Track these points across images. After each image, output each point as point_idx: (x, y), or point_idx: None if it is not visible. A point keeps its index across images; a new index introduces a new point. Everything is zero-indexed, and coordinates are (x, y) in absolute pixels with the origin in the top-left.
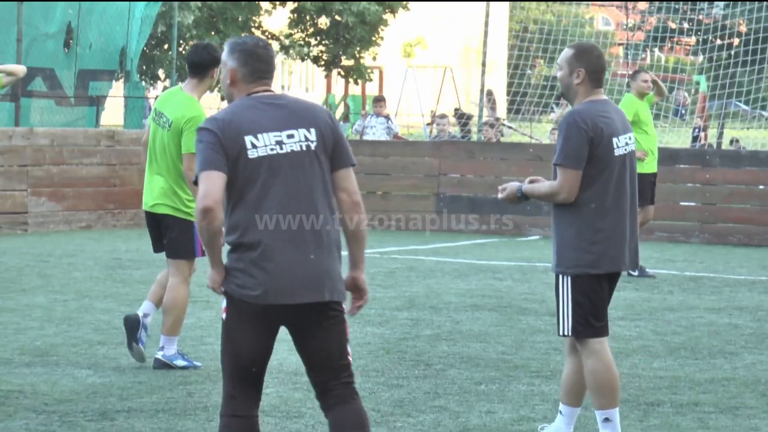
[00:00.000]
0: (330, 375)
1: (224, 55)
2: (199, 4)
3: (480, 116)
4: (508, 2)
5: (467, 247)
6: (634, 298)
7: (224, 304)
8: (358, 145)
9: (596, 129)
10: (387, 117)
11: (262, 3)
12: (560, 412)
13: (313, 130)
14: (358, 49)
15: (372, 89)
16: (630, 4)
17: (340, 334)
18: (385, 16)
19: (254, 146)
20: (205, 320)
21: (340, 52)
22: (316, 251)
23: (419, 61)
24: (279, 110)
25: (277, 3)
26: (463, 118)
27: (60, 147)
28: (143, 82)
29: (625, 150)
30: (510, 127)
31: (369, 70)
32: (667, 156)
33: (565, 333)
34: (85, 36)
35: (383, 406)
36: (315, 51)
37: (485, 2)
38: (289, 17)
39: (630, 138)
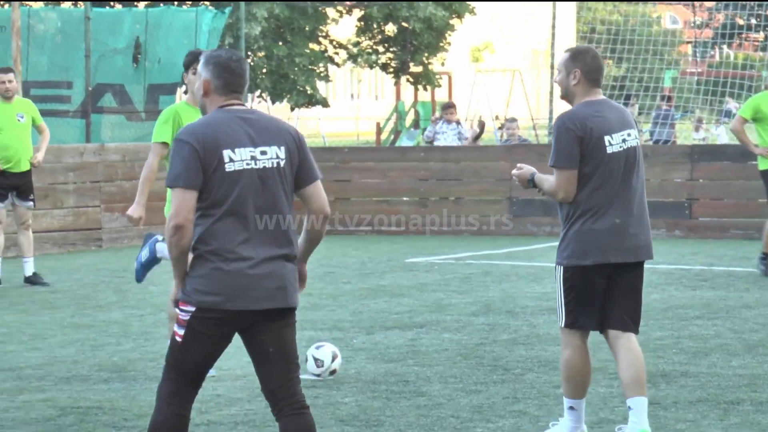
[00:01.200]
0: (284, 379)
1: (200, 66)
2: (266, 14)
3: (550, 119)
4: (575, 3)
5: (541, 250)
6: (710, 297)
7: (182, 312)
8: (429, 151)
9: (585, 129)
10: (457, 122)
11: (328, 12)
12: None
13: (282, 148)
14: (426, 55)
15: (441, 95)
16: (697, 3)
17: (293, 337)
18: (452, 22)
19: (231, 160)
20: None
21: (408, 59)
22: (279, 261)
23: (487, 65)
24: (252, 126)
25: (344, 11)
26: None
27: (132, 162)
28: None
29: (621, 147)
30: None
31: (438, 76)
32: (740, 153)
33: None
34: (153, 50)
35: (462, 412)
36: (383, 58)
37: (552, 3)
38: (356, 25)
39: (629, 134)
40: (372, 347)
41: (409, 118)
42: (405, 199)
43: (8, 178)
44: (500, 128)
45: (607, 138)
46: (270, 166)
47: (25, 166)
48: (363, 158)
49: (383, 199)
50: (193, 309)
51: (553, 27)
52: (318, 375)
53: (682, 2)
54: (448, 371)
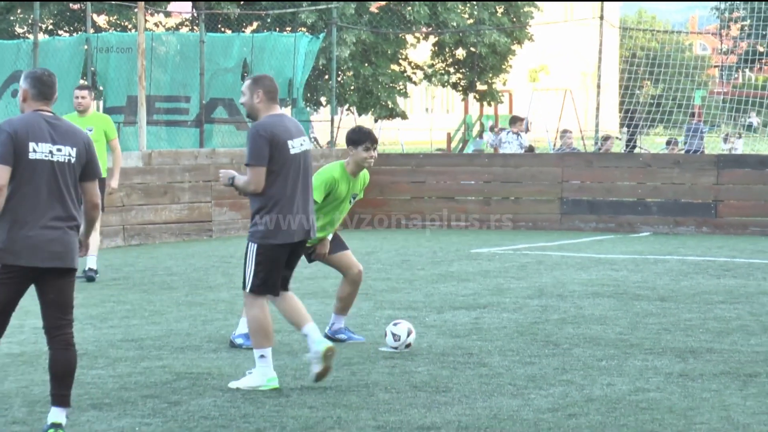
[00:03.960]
0: (57, 323)
1: (21, 80)
2: (354, 39)
3: (596, 131)
4: (618, 32)
5: (587, 243)
6: (732, 285)
7: None
8: (492, 158)
9: (274, 135)
10: (517, 134)
11: (408, 38)
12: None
13: (75, 149)
14: (490, 75)
15: (503, 110)
16: (723, 32)
17: (71, 292)
18: (513, 47)
19: (34, 150)
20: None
21: (475, 79)
22: (64, 230)
23: (543, 84)
24: (55, 128)
25: (421, 38)
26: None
27: (239, 164)
28: (307, 108)
29: (300, 149)
30: (619, 139)
31: (500, 94)
32: (758, 162)
33: (247, 290)
34: (258, 69)
35: (518, 381)
36: (454, 78)
37: (599, 32)
38: (431, 49)
39: (305, 140)
40: (441, 324)
41: (475, 130)
42: (471, 198)
43: None
44: (563, 138)
45: (289, 142)
46: (63, 160)
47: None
48: (435, 163)
49: (452, 198)
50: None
51: (600, 52)
52: (395, 348)
53: (711, 33)
54: (506, 345)
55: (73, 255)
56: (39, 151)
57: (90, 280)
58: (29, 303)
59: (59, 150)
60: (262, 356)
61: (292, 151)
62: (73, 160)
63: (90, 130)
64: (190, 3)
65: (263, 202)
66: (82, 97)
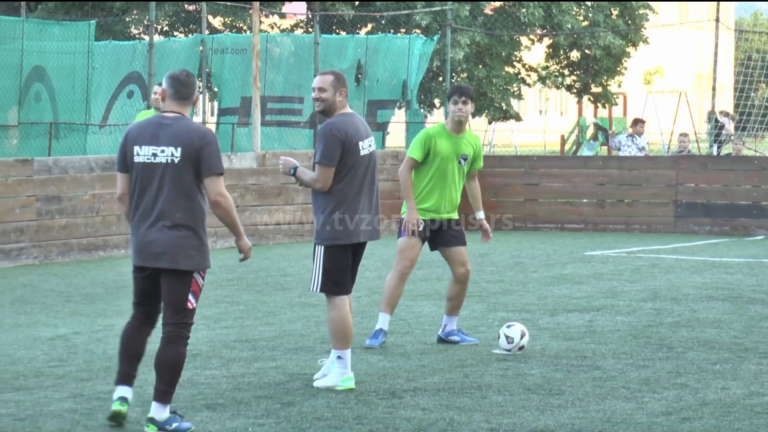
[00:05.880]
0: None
1: (163, 80)
2: (468, 41)
3: (711, 134)
4: (734, 34)
5: (702, 246)
6: None
7: None
8: (607, 160)
9: (347, 135)
10: (633, 136)
11: (522, 40)
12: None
13: (179, 148)
14: (605, 77)
15: (617, 112)
16: None
17: (179, 294)
18: (628, 49)
19: (138, 154)
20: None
21: (590, 81)
22: (165, 230)
23: (657, 87)
24: (163, 129)
25: (535, 39)
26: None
27: None
28: (422, 110)
29: (368, 150)
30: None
31: (615, 96)
32: None
33: (315, 290)
34: (372, 71)
35: (632, 384)
36: (568, 80)
37: (714, 33)
38: (546, 51)
39: (372, 141)
40: (555, 327)
41: (589, 132)
42: (585, 200)
43: None
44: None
45: (360, 143)
46: (165, 161)
47: None
48: (549, 165)
49: (566, 201)
50: None
51: (715, 54)
52: (509, 350)
53: None
54: (620, 348)
55: (176, 256)
56: (142, 153)
57: None
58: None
59: (162, 151)
60: (339, 357)
61: (362, 152)
62: (176, 160)
63: None
64: (304, 4)
65: (329, 201)
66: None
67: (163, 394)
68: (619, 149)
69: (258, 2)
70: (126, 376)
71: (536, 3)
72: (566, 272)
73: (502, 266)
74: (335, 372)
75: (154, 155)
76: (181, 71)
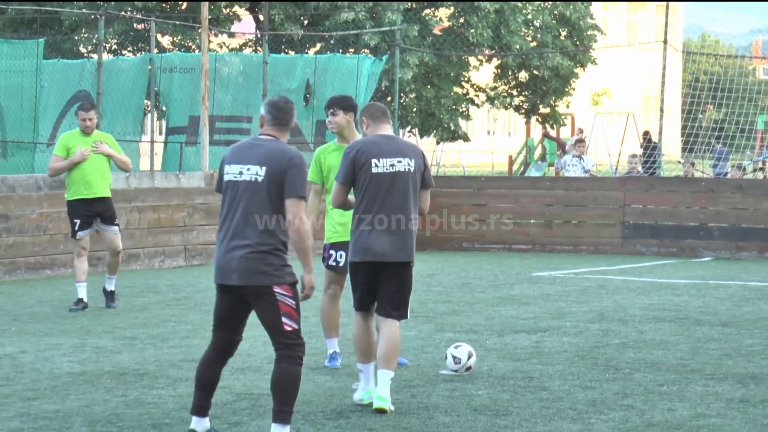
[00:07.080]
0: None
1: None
2: (417, 62)
3: (658, 154)
4: (681, 56)
5: (649, 267)
6: None
7: None
8: (554, 181)
9: (358, 153)
10: (579, 157)
11: (471, 60)
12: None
13: (264, 168)
14: (553, 98)
15: (565, 133)
16: None
17: (270, 312)
18: (576, 70)
19: (227, 173)
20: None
21: (538, 102)
22: (240, 248)
23: (605, 108)
24: (252, 149)
25: (484, 60)
26: (648, 154)
27: None
28: None
29: (389, 169)
30: (682, 163)
31: (563, 117)
32: None
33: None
34: (321, 91)
35: (579, 405)
36: (516, 101)
37: (662, 55)
38: (494, 72)
39: (402, 160)
40: (502, 348)
41: (537, 152)
42: (533, 221)
43: (91, 205)
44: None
45: (374, 161)
46: (250, 179)
47: (104, 193)
48: (497, 186)
49: (514, 221)
50: None
51: (663, 76)
52: (456, 371)
53: None
54: (567, 369)
55: (249, 272)
56: (230, 172)
57: (108, 302)
58: (91, 322)
59: (248, 169)
60: (360, 371)
61: (375, 170)
62: (260, 179)
63: (96, 148)
64: (253, 24)
65: (352, 218)
66: (90, 119)
67: (280, 414)
68: (564, 169)
69: (207, 22)
70: (198, 408)
71: (485, 24)
72: (514, 293)
73: (449, 287)
74: (360, 386)
75: (240, 173)
76: (280, 98)
